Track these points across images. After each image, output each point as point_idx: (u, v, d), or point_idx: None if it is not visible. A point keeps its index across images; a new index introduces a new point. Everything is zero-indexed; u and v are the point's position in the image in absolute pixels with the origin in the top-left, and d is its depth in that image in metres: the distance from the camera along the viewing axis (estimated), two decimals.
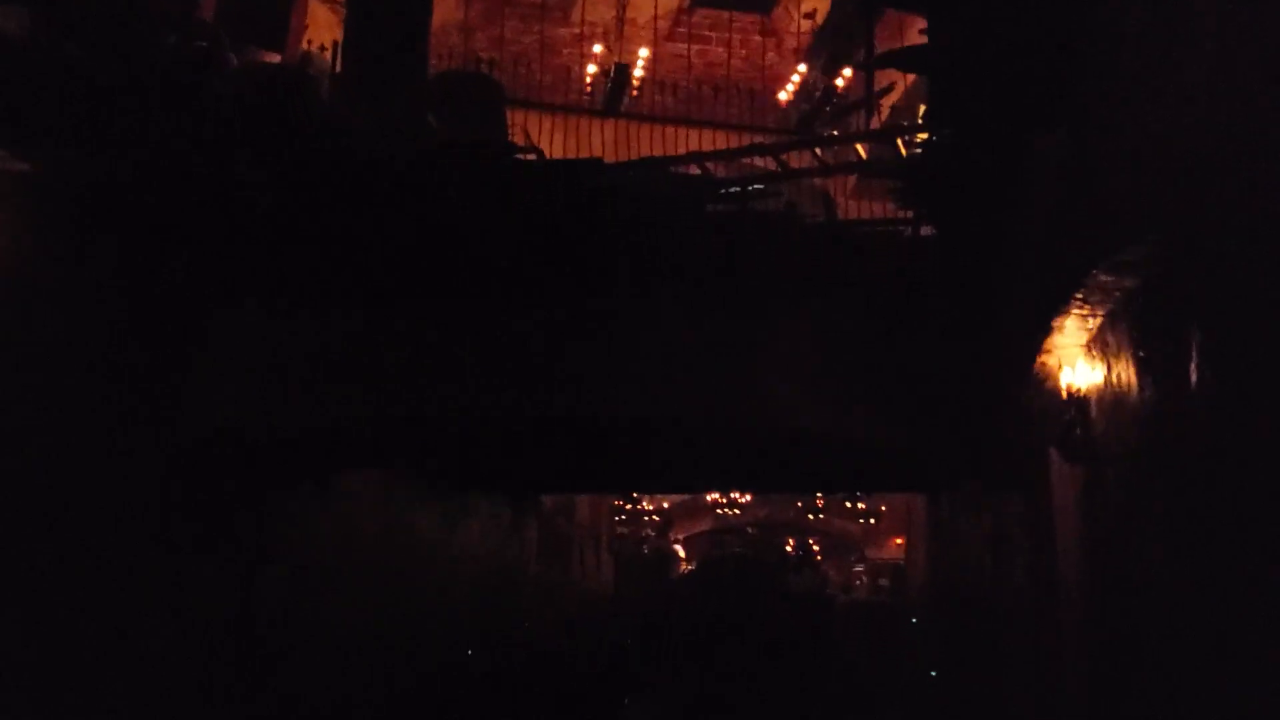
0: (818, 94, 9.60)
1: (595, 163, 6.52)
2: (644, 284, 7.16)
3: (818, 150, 6.73)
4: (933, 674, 11.60)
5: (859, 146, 6.50)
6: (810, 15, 10.80)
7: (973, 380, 7.15)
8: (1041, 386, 5.88)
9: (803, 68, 10.45)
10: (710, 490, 22.26)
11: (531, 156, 6.60)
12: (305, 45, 7.04)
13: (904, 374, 7.43)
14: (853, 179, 10.41)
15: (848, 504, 26.78)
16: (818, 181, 8.55)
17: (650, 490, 19.67)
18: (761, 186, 6.80)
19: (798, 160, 7.29)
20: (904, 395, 7.49)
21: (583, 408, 7.58)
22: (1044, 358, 5.58)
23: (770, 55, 10.58)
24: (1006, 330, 6.26)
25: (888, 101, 8.08)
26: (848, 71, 9.90)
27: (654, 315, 7.39)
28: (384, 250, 6.54)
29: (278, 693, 7.69)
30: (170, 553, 6.40)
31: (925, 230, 7.56)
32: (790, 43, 11.05)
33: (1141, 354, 4.41)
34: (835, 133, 7.19)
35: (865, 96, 6.20)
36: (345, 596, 8.82)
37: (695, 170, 7.20)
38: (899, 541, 25.66)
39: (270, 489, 7.80)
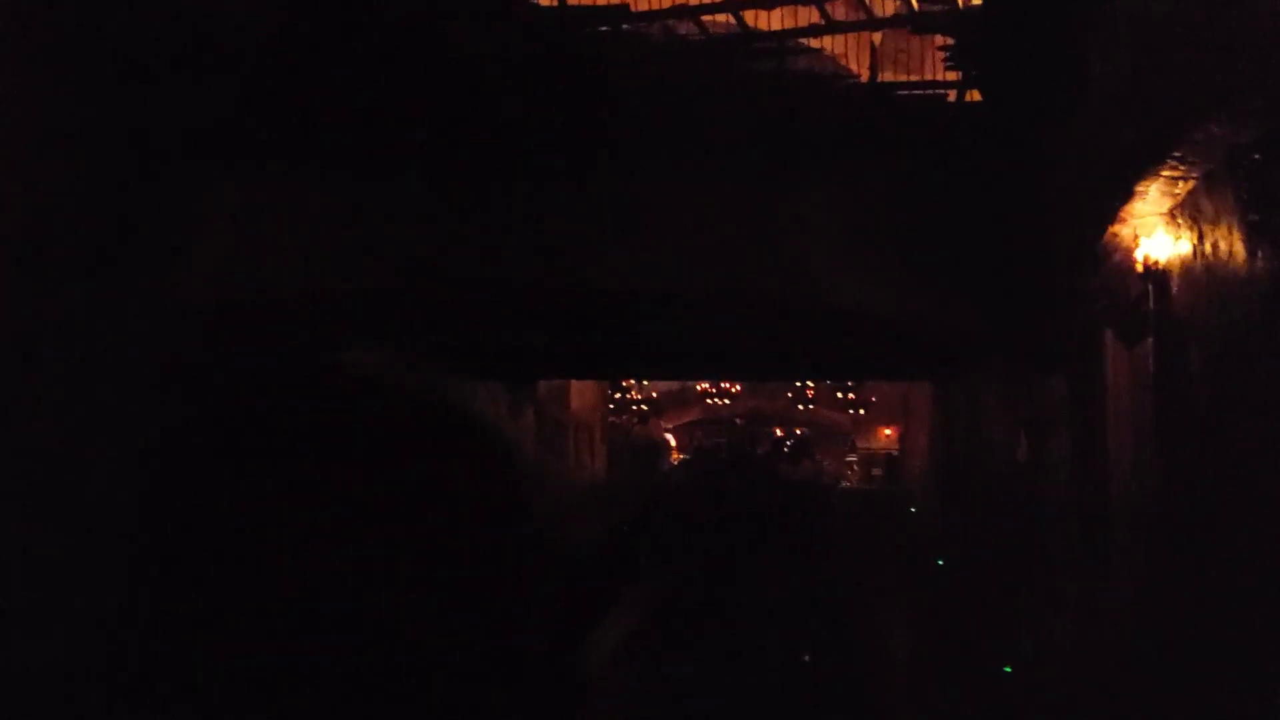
0: None
1: (620, 9, 5.91)
2: (669, 145, 6.63)
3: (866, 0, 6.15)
4: (940, 563, 11.50)
5: None
6: None
7: (1020, 255, 6.73)
8: (1107, 260, 5.44)
9: None
10: (713, 376, 21.92)
11: (551, 1, 5.99)
12: None
13: (943, 247, 7.02)
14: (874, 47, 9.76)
15: (838, 394, 26.68)
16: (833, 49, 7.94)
17: (651, 375, 19.35)
18: (802, 41, 6.22)
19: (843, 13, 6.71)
20: (942, 269, 7.09)
21: (598, 279, 7.13)
22: (1116, 228, 5.12)
23: None
24: (1070, 199, 5.79)
25: None
26: None
27: (678, 180, 6.89)
28: (388, 106, 5.99)
29: (277, 559, 7.43)
30: (172, 420, 6.02)
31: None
32: None
33: (1254, 217, 3.95)
34: None
35: None
36: (345, 473, 8.48)
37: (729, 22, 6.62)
38: (889, 432, 25.71)
39: (275, 359, 7.39)
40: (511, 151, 6.49)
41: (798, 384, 25.92)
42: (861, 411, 26.19)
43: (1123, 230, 5.09)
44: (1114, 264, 5.37)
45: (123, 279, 5.67)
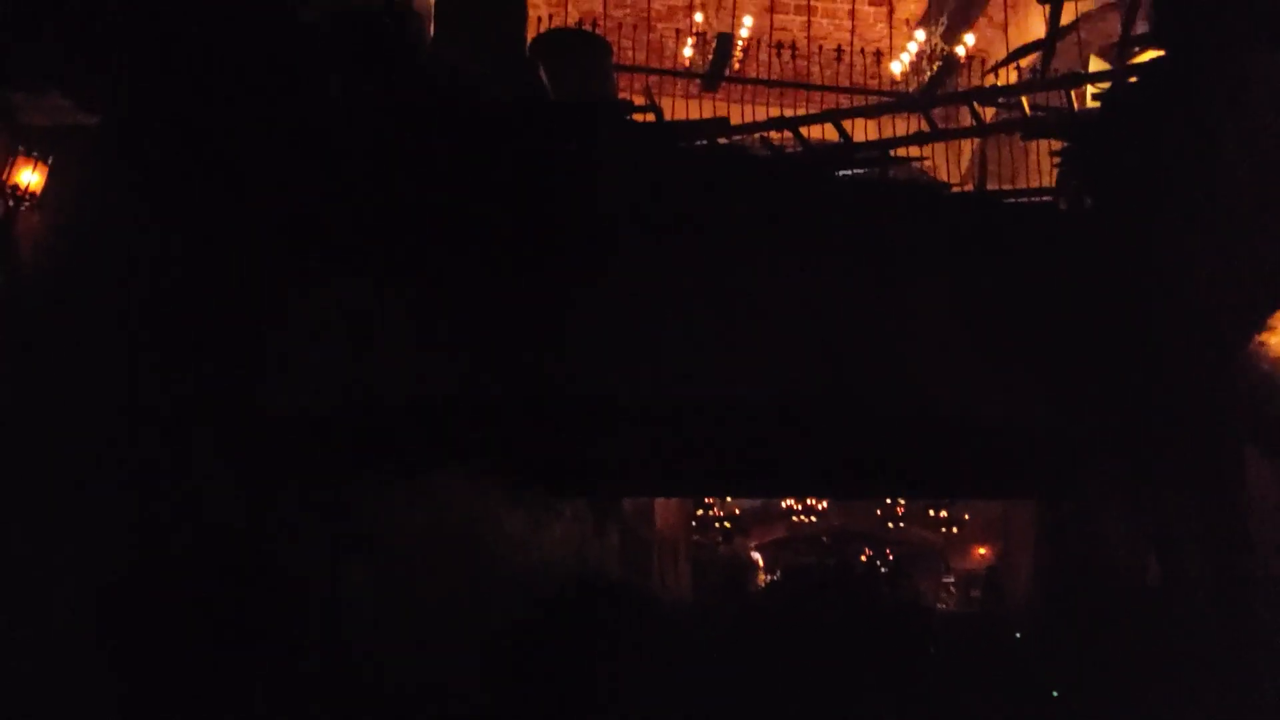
0: (938, 64, 8.85)
1: (720, 123, 5.83)
2: (763, 250, 6.47)
3: (976, 105, 5.97)
4: (1055, 694, 10.74)
5: (1024, 100, 5.73)
6: None
7: (1145, 364, 6.37)
8: (1250, 370, 5.08)
9: (920, 35, 9.66)
10: (804, 493, 21.37)
11: (650, 117, 5.94)
12: None
13: (1057, 355, 6.68)
14: (966, 156, 9.58)
15: (929, 512, 25.79)
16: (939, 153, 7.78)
17: (739, 493, 18.91)
18: (904, 151, 6.06)
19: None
20: (1056, 379, 6.75)
21: (686, 388, 6.92)
22: (1264, 336, 4.78)
23: (880, 26, 9.84)
24: (1207, 306, 5.46)
25: (1027, 64, 7.32)
26: (970, 39, 9.15)
27: (770, 285, 6.70)
28: (482, 212, 5.93)
29: (360, 682, 7.19)
30: (255, 538, 5.89)
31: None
32: (901, 12, 10.30)
33: None
34: (997, 83, 6.39)
35: (1049, 33, 5.38)
36: (430, 592, 8.24)
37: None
38: (983, 551, 24.64)
39: (356, 477, 7.27)
40: (598, 258, 6.39)
41: (887, 500, 25.15)
42: (954, 530, 25.25)
43: (1271, 339, 4.76)
44: (1259, 374, 5.01)
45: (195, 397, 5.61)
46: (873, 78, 8.29)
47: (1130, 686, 7.46)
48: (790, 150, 6.18)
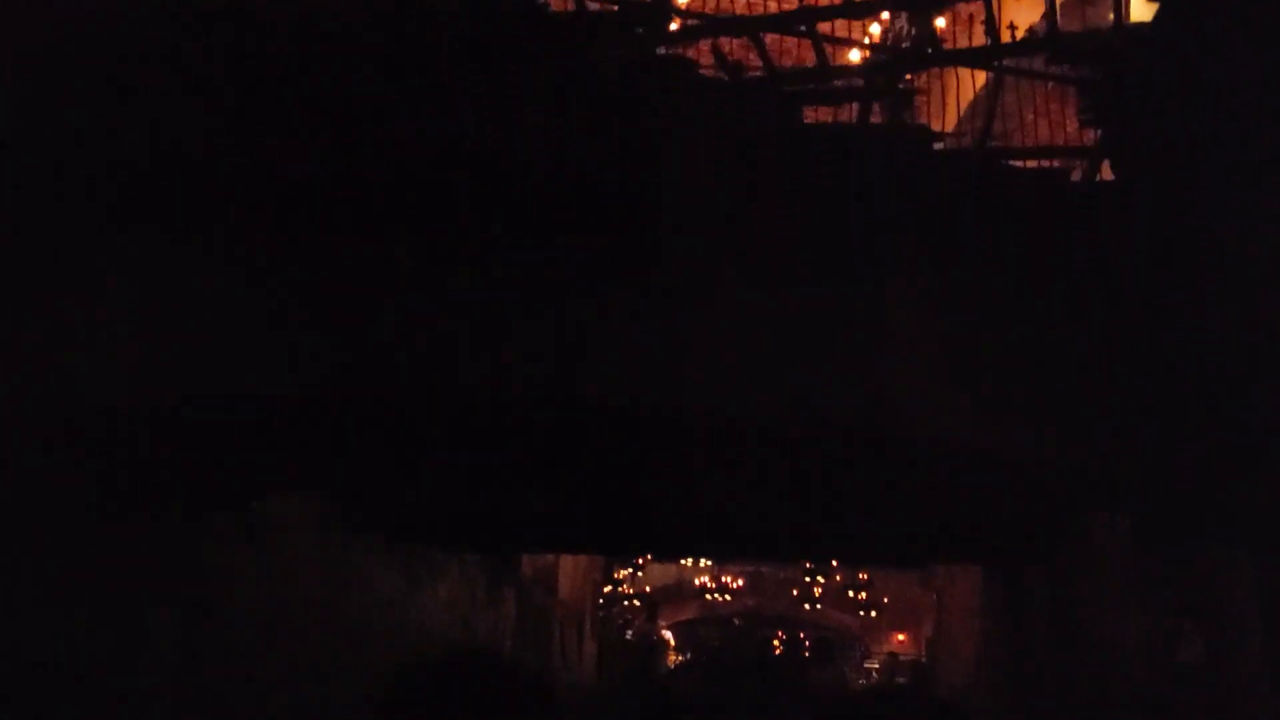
0: (910, 40, 7.64)
1: (661, 6, 4.37)
2: (696, 229, 5.00)
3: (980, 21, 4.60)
4: None
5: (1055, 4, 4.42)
6: None
7: (1182, 390, 5.02)
8: None
9: (885, 15, 8.46)
10: (743, 558, 19.51)
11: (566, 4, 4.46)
12: None
13: (1068, 374, 5.32)
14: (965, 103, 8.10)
15: (849, 594, 24.38)
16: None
17: (667, 555, 17.13)
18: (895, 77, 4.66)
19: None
20: (1065, 403, 5.39)
21: (603, 397, 5.35)
22: None
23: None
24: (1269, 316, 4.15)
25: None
26: (941, 22, 8.01)
27: (710, 275, 5.23)
28: (348, 146, 4.38)
29: None
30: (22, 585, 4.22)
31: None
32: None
33: None
34: None
35: None
36: (266, 668, 6.40)
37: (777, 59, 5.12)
38: (901, 637, 23.31)
39: (172, 505, 5.52)
40: (504, 212, 4.89)
41: (805, 580, 23.68)
42: (873, 614, 23.86)
43: None
44: None
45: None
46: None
47: None
48: (751, 75, 4.74)
